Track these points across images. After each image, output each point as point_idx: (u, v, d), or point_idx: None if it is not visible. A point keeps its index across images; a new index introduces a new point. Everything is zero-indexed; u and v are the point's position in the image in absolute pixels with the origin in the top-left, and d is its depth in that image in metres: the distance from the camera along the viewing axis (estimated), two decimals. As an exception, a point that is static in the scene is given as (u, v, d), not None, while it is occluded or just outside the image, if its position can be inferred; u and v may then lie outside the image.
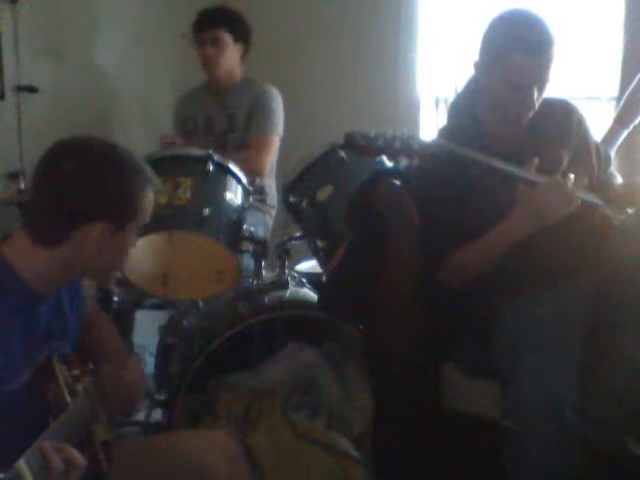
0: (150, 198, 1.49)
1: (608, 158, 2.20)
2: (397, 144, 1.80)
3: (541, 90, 1.91)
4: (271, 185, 3.11)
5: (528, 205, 1.82)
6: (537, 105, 1.93)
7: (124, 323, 2.60)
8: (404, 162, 2.16)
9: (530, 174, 1.83)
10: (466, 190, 1.92)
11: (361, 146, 1.80)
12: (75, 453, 1.24)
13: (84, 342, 1.60)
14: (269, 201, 3.11)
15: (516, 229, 1.86)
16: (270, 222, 3.11)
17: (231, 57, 3.07)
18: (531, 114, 1.95)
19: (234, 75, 3.13)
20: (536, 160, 1.84)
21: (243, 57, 3.13)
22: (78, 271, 1.50)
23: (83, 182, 1.40)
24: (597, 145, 2.16)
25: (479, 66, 1.97)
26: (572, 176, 1.88)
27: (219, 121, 3.09)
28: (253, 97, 3.06)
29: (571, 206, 1.82)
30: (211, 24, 3.02)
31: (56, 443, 1.22)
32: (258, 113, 3.04)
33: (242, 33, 3.06)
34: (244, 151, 2.98)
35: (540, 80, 1.89)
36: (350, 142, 1.81)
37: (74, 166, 1.41)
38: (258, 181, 3.00)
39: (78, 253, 1.42)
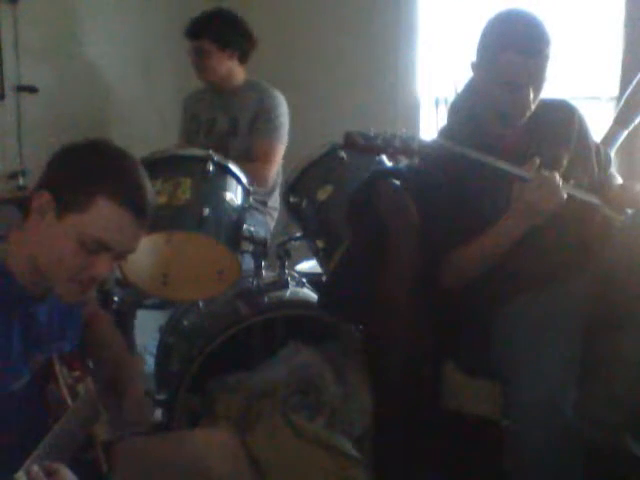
0: (115, 215, 1.36)
1: (608, 159, 2.20)
2: (396, 143, 1.80)
3: (537, 90, 1.90)
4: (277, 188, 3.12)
5: (520, 202, 1.83)
6: (533, 105, 1.92)
7: (124, 323, 2.60)
8: (404, 162, 2.16)
9: (519, 170, 1.83)
10: (465, 190, 1.92)
11: (360, 145, 1.80)
12: (66, 475, 1.20)
13: (85, 341, 1.60)
14: (271, 203, 3.11)
15: (512, 227, 1.86)
16: (272, 224, 3.10)
17: (220, 64, 3.04)
18: (528, 114, 1.94)
19: (234, 78, 3.10)
20: (536, 160, 1.84)
21: (242, 60, 3.09)
22: (37, 260, 1.39)
23: (60, 156, 1.41)
24: (597, 145, 2.16)
25: (475, 66, 1.97)
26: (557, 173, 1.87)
27: (221, 123, 3.08)
28: (259, 102, 3.03)
29: (558, 201, 1.82)
30: (194, 35, 3.02)
31: (47, 463, 1.18)
32: (264, 119, 3.01)
33: (229, 39, 3.02)
34: (249, 160, 2.95)
35: (535, 80, 1.88)
36: (349, 141, 1.81)
37: (65, 146, 1.42)
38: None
39: (35, 231, 1.38)
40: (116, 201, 1.36)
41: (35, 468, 1.16)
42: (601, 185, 2.07)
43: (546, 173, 1.82)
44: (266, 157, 3.00)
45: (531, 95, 1.89)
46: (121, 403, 1.52)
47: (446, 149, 1.85)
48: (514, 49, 1.85)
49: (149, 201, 1.41)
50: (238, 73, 3.11)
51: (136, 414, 1.54)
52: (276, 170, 3.05)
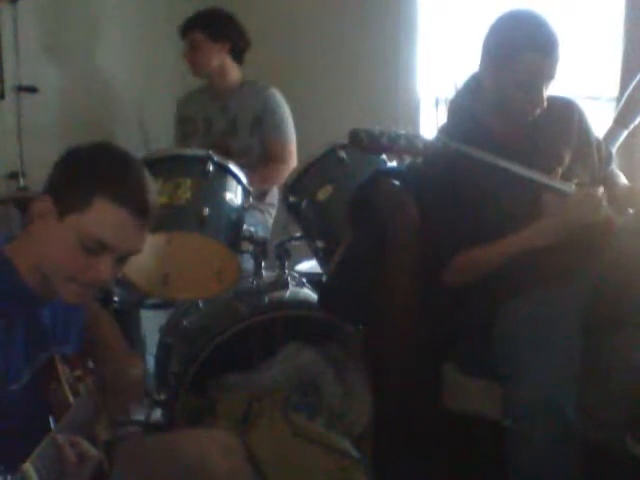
0: (114, 214, 1.35)
1: (609, 154, 2.20)
2: (401, 142, 1.80)
3: (548, 88, 1.92)
4: None
5: (561, 214, 1.82)
6: (545, 103, 1.93)
7: (125, 323, 2.60)
8: (408, 161, 2.15)
9: (549, 180, 1.84)
10: (468, 191, 1.91)
11: (365, 144, 1.80)
12: (88, 446, 1.25)
13: (86, 342, 1.60)
14: (269, 199, 3.10)
15: (543, 237, 1.86)
16: (270, 221, 3.10)
17: (210, 56, 3.04)
18: (539, 112, 1.94)
19: (229, 76, 3.10)
20: (559, 170, 1.85)
21: (235, 57, 3.10)
22: (41, 261, 1.39)
23: (62, 159, 1.42)
24: (598, 141, 2.17)
25: (485, 67, 1.96)
26: (601, 189, 1.87)
27: (218, 123, 3.08)
28: (259, 102, 3.03)
29: (599, 217, 1.82)
30: (186, 29, 3.05)
31: (70, 436, 1.23)
32: (270, 121, 3.02)
33: (218, 31, 3.03)
34: (250, 160, 2.94)
35: (549, 78, 1.90)
36: (354, 139, 1.81)
37: (68, 149, 1.43)
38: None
39: (39, 233, 1.39)
40: (114, 200, 1.36)
41: (61, 438, 1.20)
42: (603, 181, 2.07)
43: (591, 188, 1.82)
44: (283, 158, 3.02)
45: (543, 93, 1.90)
46: (120, 401, 1.53)
47: (451, 148, 1.85)
48: (532, 49, 1.86)
49: (150, 201, 1.40)
50: (232, 70, 3.10)
51: (133, 411, 1.56)
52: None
